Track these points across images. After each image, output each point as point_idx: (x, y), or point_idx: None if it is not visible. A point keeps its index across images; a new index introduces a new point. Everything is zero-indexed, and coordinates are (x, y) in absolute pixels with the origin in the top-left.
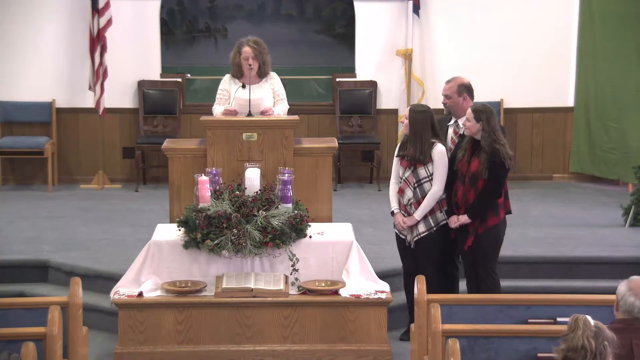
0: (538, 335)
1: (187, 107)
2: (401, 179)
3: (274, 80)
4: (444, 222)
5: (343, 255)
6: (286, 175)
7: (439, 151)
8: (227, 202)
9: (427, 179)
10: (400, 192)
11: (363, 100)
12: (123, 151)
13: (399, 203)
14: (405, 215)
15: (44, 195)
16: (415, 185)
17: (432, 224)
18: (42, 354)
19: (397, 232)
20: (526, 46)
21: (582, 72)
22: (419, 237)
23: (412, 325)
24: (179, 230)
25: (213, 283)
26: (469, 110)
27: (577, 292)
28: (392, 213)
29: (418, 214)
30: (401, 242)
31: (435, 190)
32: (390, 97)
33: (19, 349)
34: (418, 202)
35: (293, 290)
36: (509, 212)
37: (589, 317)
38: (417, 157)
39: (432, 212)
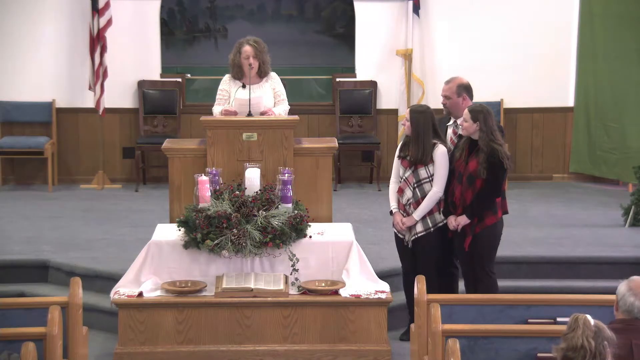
0: (538, 335)
1: (187, 107)
2: (401, 178)
3: (274, 80)
4: (442, 222)
5: (343, 255)
6: (286, 175)
7: (441, 152)
8: (227, 202)
9: (428, 179)
10: (400, 191)
11: (363, 100)
12: (123, 151)
13: (398, 203)
14: (404, 215)
15: (44, 195)
16: (415, 185)
17: (430, 225)
18: (42, 354)
19: (395, 231)
20: (526, 46)
21: (582, 72)
22: (416, 236)
23: (412, 325)
24: (179, 230)
25: (213, 283)
26: (466, 111)
27: (577, 292)
28: (391, 212)
29: (417, 214)
30: (400, 242)
31: (436, 191)
32: (390, 97)
33: (19, 349)
34: (417, 202)
35: (293, 290)
36: (505, 212)
37: (589, 317)
38: (418, 157)
39: (430, 212)
